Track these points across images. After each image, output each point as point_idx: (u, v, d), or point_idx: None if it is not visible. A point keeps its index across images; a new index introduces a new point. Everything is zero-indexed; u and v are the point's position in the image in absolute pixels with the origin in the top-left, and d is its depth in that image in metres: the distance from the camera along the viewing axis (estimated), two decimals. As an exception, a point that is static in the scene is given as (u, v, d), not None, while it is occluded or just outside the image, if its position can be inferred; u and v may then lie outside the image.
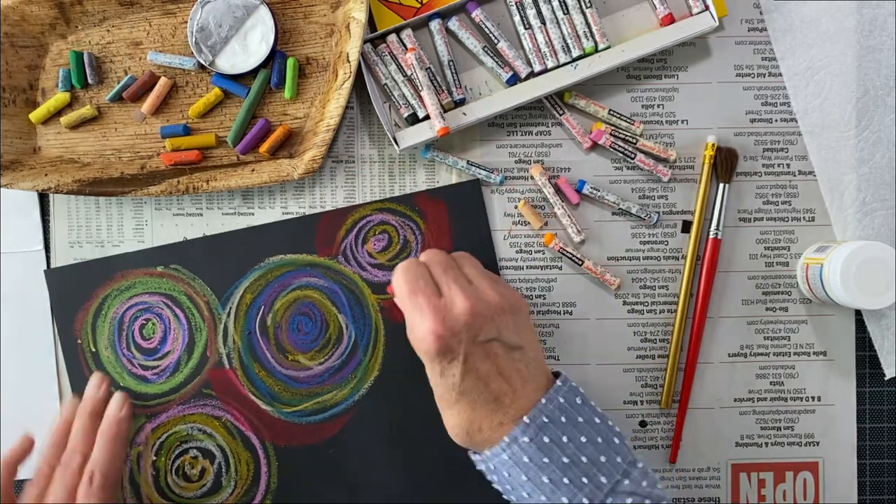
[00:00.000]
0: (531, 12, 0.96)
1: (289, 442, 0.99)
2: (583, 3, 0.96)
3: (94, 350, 0.98)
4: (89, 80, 0.96)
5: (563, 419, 0.78)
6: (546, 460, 0.76)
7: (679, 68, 1.00)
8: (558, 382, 0.81)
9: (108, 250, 0.99)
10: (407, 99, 0.96)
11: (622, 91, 1.00)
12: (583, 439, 0.77)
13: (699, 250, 0.99)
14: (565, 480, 0.76)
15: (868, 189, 0.98)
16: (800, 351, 1.00)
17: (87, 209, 0.99)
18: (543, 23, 0.96)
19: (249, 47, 0.95)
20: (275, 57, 0.96)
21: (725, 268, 1.00)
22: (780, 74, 0.99)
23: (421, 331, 0.79)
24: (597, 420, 0.80)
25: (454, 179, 0.99)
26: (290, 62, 0.95)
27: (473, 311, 0.78)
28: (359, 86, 0.97)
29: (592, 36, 0.96)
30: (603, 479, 0.76)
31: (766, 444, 1.00)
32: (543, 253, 0.99)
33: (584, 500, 0.75)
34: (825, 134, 0.99)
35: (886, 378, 1.00)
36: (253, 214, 0.99)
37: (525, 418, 0.77)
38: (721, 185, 0.98)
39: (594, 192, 0.98)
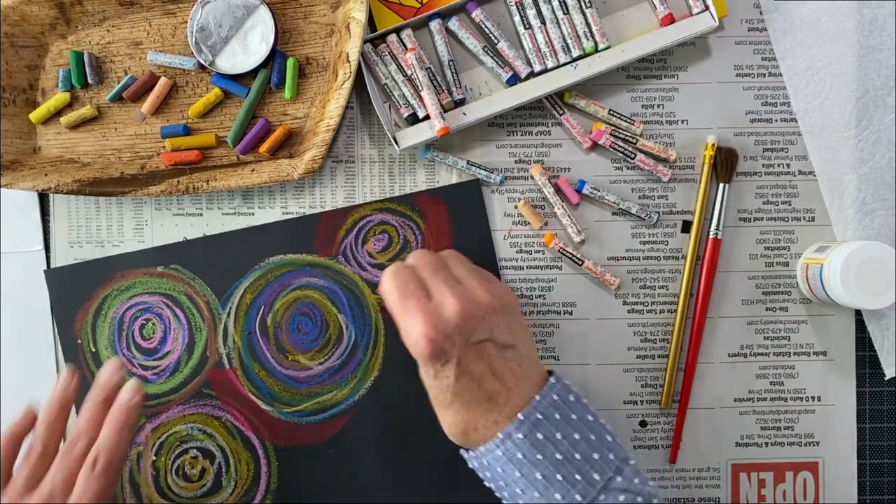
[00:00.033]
0: (531, 12, 0.96)
1: (289, 442, 0.99)
2: (583, 3, 0.96)
3: (94, 350, 0.99)
4: (89, 80, 0.96)
5: (556, 416, 0.78)
6: (540, 457, 0.76)
7: (679, 68, 1.00)
8: (552, 380, 0.81)
9: (108, 250, 0.99)
10: (407, 99, 0.96)
11: (622, 91, 1.00)
12: (576, 436, 0.78)
13: (699, 250, 0.99)
14: (559, 477, 0.76)
15: (868, 189, 0.98)
16: (800, 351, 1.00)
17: (87, 209, 0.99)
18: (543, 23, 0.96)
19: (249, 47, 0.95)
20: (275, 57, 0.96)
21: (725, 268, 1.00)
22: (780, 74, 0.99)
23: (413, 335, 0.78)
24: (590, 417, 0.80)
25: (454, 179, 0.99)
26: (290, 62, 0.95)
27: (465, 313, 0.78)
28: (359, 86, 0.97)
29: (592, 36, 0.96)
30: (596, 476, 0.76)
31: (766, 444, 1.00)
32: (543, 253, 0.99)
33: (578, 497, 0.76)
34: (825, 134, 0.99)
35: (886, 378, 1.00)
36: (253, 214, 0.99)
37: (520, 415, 0.77)
38: (721, 185, 0.98)
39: (594, 192, 0.98)
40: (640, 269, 1.00)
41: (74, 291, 0.99)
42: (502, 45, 0.96)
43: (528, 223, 0.99)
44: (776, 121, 0.99)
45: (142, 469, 0.99)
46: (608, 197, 0.98)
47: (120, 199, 0.99)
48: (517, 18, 0.96)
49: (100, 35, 0.96)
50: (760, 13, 0.99)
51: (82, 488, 0.77)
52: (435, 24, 0.96)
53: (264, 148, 0.95)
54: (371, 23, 0.97)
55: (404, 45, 0.96)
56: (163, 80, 0.96)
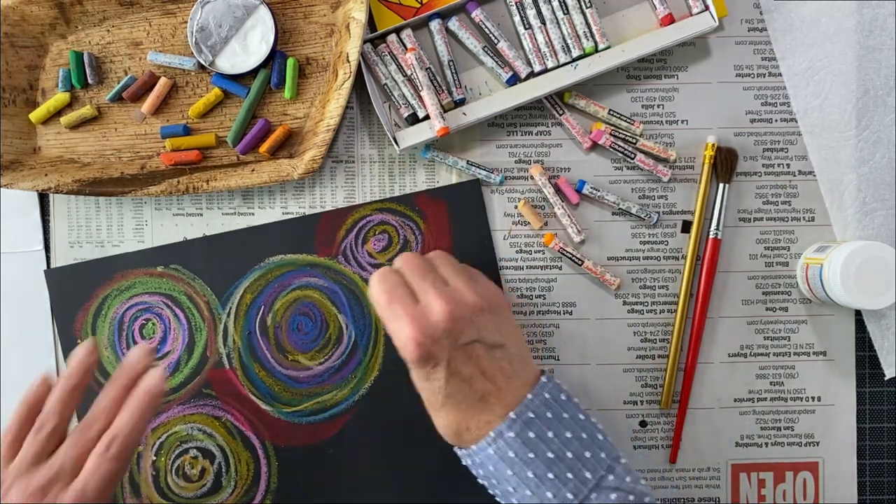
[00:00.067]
0: (531, 12, 0.96)
1: (289, 442, 0.99)
2: (583, 3, 0.96)
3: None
4: (89, 80, 0.96)
5: (548, 415, 0.78)
6: (531, 455, 0.77)
7: (679, 68, 1.00)
8: (543, 379, 0.81)
9: (108, 250, 0.99)
10: (407, 99, 0.96)
11: (622, 91, 1.00)
12: (568, 435, 0.78)
13: (699, 250, 0.99)
14: (550, 475, 0.76)
15: (868, 189, 0.98)
16: (800, 351, 1.00)
17: (87, 209, 0.99)
18: (543, 23, 0.96)
19: (249, 47, 0.95)
20: (275, 57, 0.96)
21: (725, 268, 1.00)
22: (780, 74, 0.99)
23: (401, 339, 0.79)
24: (581, 416, 0.80)
25: (454, 179, 0.99)
26: (290, 62, 0.95)
27: (452, 316, 0.78)
28: (359, 86, 0.97)
29: (592, 36, 0.96)
30: (587, 475, 0.77)
31: (766, 444, 1.00)
32: (543, 253, 0.99)
33: (569, 496, 0.76)
34: (825, 134, 0.99)
35: (886, 378, 1.00)
36: (253, 214, 0.99)
37: (511, 414, 0.78)
38: (721, 185, 0.98)
39: (594, 192, 0.98)
40: (640, 269, 1.00)
41: (74, 291, 0.99)
42: (502, 45, 0.96)
43: (528, 223, 0.99)
44: (776, 121, 0.99)
45: (142, 469, 0.99)
46: (608, 197, 0.98)
47: (120, 199, 0.99)
48: (517, 18, 0.96)
49: (100, 35, 0.96)
50: (760, 13, 0.99)
51: (92, 469, 0.74)
52: (435, 24, 0.96)
53: (264, 148, 0.95)
54: (371, 23, 0.97)
55: (404, 45, 0.96)
56: (163, 80, 0.96)
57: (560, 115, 0.98)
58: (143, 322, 0.98)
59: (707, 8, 0.96)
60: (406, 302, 0.80)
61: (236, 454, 0.99)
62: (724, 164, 0.98)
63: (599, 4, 0.97)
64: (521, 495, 0.78)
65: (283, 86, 0.96)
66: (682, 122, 0.99)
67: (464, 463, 0.82)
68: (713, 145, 0.98)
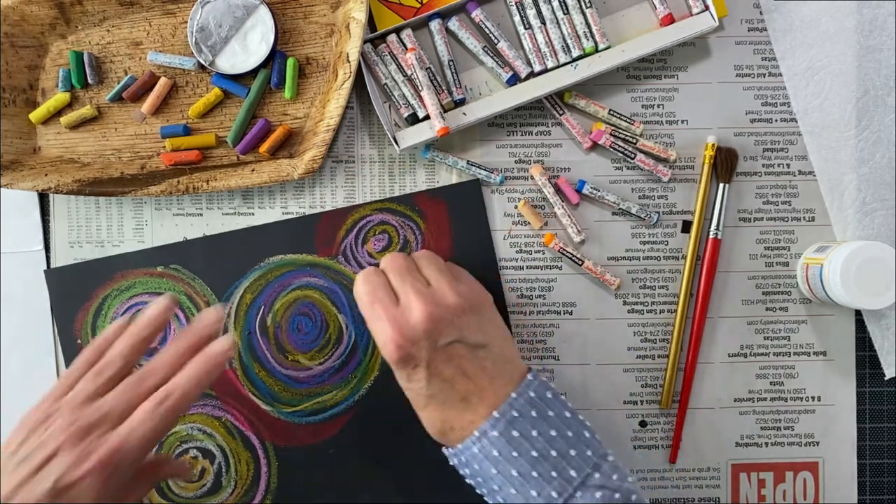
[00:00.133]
0: (531, 12, 0.96)
1: (289, 442, 0.99)
2: (583, 3, 0.96)
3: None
4: (89, 80, 0.96)
5: (533, 413, 0.79)
6: (515, 454, 0.77)
7: (679, 68, 1.00)
8: (529, 377, 0.81)
9: (108, 250, 0.99)
10: (407, 99, 0.96)
11: (622, 91, 1.00)
12: (552, 433, 0.78)
13: (699, 250, 0.99)
14: (534, 474, 0.77)
15: (868, 189, 0.98)
16: (800, 351, 1.00)
17: (87, 209, 0.99)
18: (543, 23, 0.96)
19: (249, 47, 0.95)
20: (275, 57, 0.96)
21: (725, 268, 1.00)
22: (780, 74, 0.99)
23: (381, 341, 0.80)
24: (567, 414, 0.80)
25: (454, 179, 0.99)
26: (290, 62, 0.95)
27: (431, 317, 0.79)
28: (359, 86, 0.97)
29: (592, 36, 0.96)
30: (572, 473, 0.77)
31: (766, 444, 1.00)
32: (543, 253, 0.99)
33: (554, 494, 0.76)
34: (825, 134, 0.99)
35: (886, 378, 1.00)
36: (253, 214, 0.99)
37: (495, 413, 0.78)
38: (721, 185, 0.98)
39: (594, 192, 0.98)
40: (640, 269, 1.00)
41: (74, 291, 0.99)
42: (502, 45, 0.96)
43: (528, 223, 0.99)
44: (776, 121, 0.99)
45: (142, 469, 0.99)
46: (608, 197, 0.98)
47: (120, 199, 0.99)
48: (517, 18, 0.96)
49: (100, 35, 0.96)
50: (760, 13, 0.99)
51: (139, 420, 0.72)
52: (435, 24, 0.96)
53: (264, 148, 0.95)
54: (371, 23, 0.97)
55: (404, 45, 0.96)
56: (163, 80, 0.96)
57: (560, 115, 0.98)
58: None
59: (707, 8, 0.96)
60: (386, 303, 0.81)
61: (236, 454, 0.99)
62: (724, 164, 0.98)
63: (599, 4, 0.97)
64: (505, 494, 0.78)
65: (283, 86, 0.96)
66: (682, 122, 0.99)
67: (451, 462, 0.83)
68: (713, 145, 0.98)
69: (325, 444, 0.99)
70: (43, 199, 1.00)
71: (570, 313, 1.00)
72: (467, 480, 0.82)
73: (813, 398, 1.00)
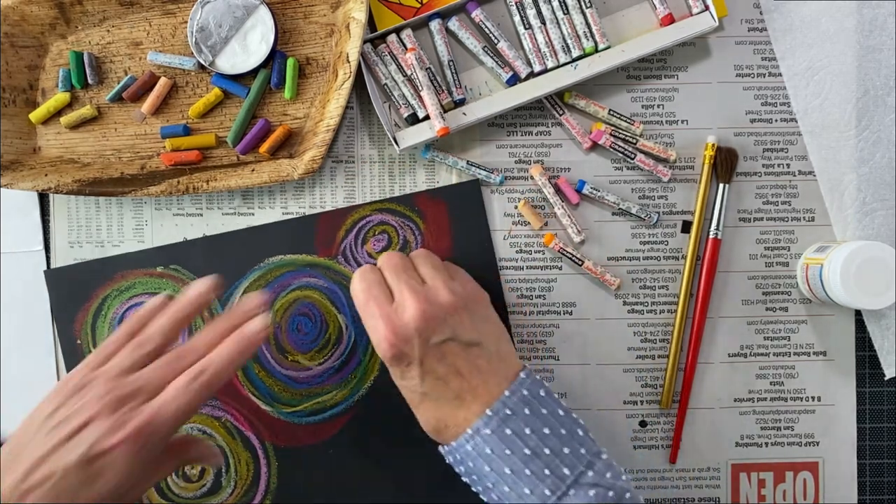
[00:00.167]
0: (531, 12, 0.96)
1: (289, 442, 0.99)
2: (583, 3, 0.96)
3: (93, 350, 0.98)
4: (89, 80, 0.96)
5: (526, 411, 0.79)
6: (508, 452, 0.77)
7: (679, 68, 1.00)
8: (522, 375, 0.82)
9: (108, 250, 0.99)
10: (407, 99, 0.96)
11: (622, 91, 1.00)
12: (546, 431, 0.78)
13: (699, 250, 0.99)
14: (527, 472, 0.77)
15: (868, 189, 0.98)
16: (800, 351, 1.00)
17: (87, 209, 0.99)
18: (543, 23, 0.96)
19: (249, 47, 0.95)
20: (275, 57, 0.96)
21: (725, 268, 1.00)
22: (780, 74, 0.99)
23: (375, 338, 0.81)
24: (560, 412, 0.80)
25: (454, 180, 0.99)
26: (290, 62, 0.95)
27: (424, 315, 0.79)
28: (359, 86, 0.97)
29: (592, 36, 0.96)
30: (566, 471, 0.77)
31: (766, 444, 1.00)
32: (543, 253, 0.99)
33: (547, 492, 0.76)
34: (825, 134, 0.99)
35: (886, 378, 1.00)
36: (253, 214, 0.99)
37: (488, 411, 0.78)
38: (721, 185, 0.98)
39: (594, 192, 0.98)
40: (640, 269, 1.00)
41: (74, 292, 0.99)
42: (502, 45, 0.96)
43: (528, 223, 0.99)
44: (776, 121, 0.99)
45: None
46: (608, 197, 0.98)
47: (120, 199, 0.99)
48: (517, 18, 0.96)
49: (100, 35, 0.96)
50: (760, 13, 0.99)
51: (172, 394, 0.73)
52: (435, 24, 0.96)
53: (264, 148, 0.95)
54: (371, 23, 0.97)
55: (404, 45, 0.96)
56: (163, 80, 0.96)
57: (560, 115, 0.98)
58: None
59: (707, 8, 0.96)
60: (381, 301, 0.81)
61: (236, 454, 0.99)
62: (724, 164, 0.98)
63: (599, 4, 0.97)
64: (499, 492, 0.78)
65: (283, 86, 0.96)
66: (682, 122, 0.99)
67: (447, 461, 0.83)
68: (713, 145, 0.98)
69: (324, 445, 0.99)
70: (43, 199, 1.00)
71: (570, 313, 1.00)
72: (463, 479, 0.83)
73: (813, 398, 1.00)
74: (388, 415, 0.99)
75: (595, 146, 0.98)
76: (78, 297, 0.99)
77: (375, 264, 0.87)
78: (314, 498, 0.99)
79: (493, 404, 0.79)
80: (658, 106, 0.99)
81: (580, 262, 0.98)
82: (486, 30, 0.96)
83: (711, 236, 0.98)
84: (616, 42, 0.97)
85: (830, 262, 0.92)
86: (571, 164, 0.99)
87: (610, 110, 0.98)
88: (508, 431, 0.78)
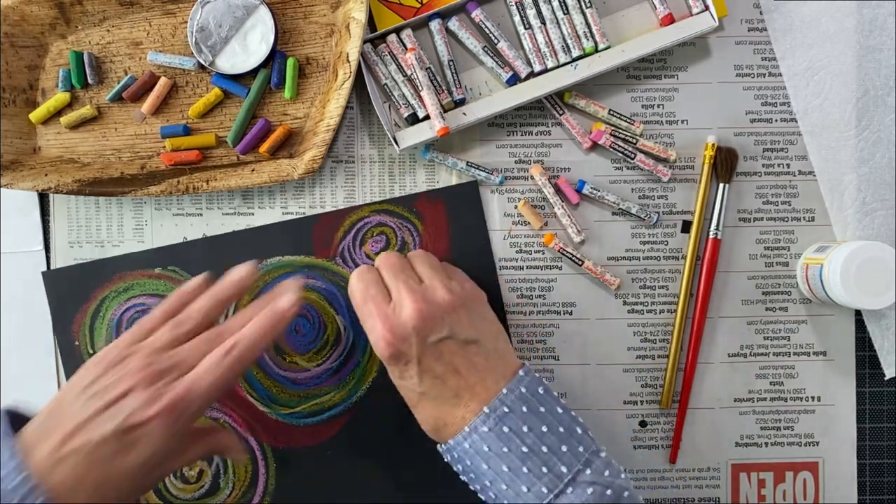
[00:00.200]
0: (531, 12, 0.96)
1: (287, 443, 0.99)
2: (583, 3, 0.96)
3: (91, 352, 0.98)
4: (89, 80, 0.96)
5: (524, 409, 0.79)
6: (506, 449, 0.77)
7: (679, 68, 1.00)
8: (520, 373, 0.82)
9: (108, 250, 0.99)
10: (407, 99, 0.96)
11: (622, 91, 1.00)
12: (544, 429, 0.78)
13: (699, 250, 0.99)
14: (524, 469, 0.77)
15: (868, 189, 0.98)
16: (800, 351, 1.00)
17: (87, 209, 0.99)
18: (543, 23, 0.96)
19: (249, 47, 0.95)
20: (275, 57, 0.96)
21: (725, 268, 1.00)
22: (780, 74, 0.99)
23: (373, 338, 0.81)
24: (559, 410, 0.80)
25: (454, 180, 0.99)
26: (290, 62, 0.95)
27: (421, 315, 0.79)
28: (359, 86, 0.97)
29: (592, 36, 0.96)
30: (563, 469, 0.77)
31: (766, 444, 1.00)
32: (543, 253, 0.99)
33: (544, 490, 0.76)
34: (825, 134, 0.99)
35: (886, 378, 1.00)
36: (253, 214, 0.99)
37: (486, 408, 0.78)
38: (721, 185, 0.98)
39: (594, 192, 0.98)
40: (640, 269, 1.00)
41: (72, 293, 0.99)
42: (502, 45, 0.96)
43: (528, 223, 0.99)
44: (776, 121, 1.00)
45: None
46: (608, 197, 0.98)
47: (120, 199, 0.99)
48: (517, 18, 0.96)
49: (100, 35, 0.96)
50: (760, 13, 0.99)
51: (205, 368, 0.76)
52: (435, 24, 0.96)
53: (264, 148, 0.95)
54: (371, 23, 0.97)
55: (404, 45, 0.96)
56: (163, 80, 0.96)
57: (560, 115, 0.98)
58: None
59: (707, 8, 0.96)
60: (378, 300, 0.82)
61: (235, 456, 0.99)
62: (724, 164, 0.98)
63: (599, 4, 0.97)
64: (497, 489, 0.78)
65: (283, 86, 0.96)
66: (682, 122, 0.99)
67: (445, 459, 0.83)
68: (713, 145, 0.98)
69: (323, 446, 0.99)
70: (43, 199, 1.00)
71: (570, 313, 1.00)
72: (461, 477, 0.83)
73: (813, 398, 1.00)
74: (387, 416, 0.99)
75: (595, 146, 0.99)
76: (76, 298, 0.99)
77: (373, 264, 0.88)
78: (312, 499, 0.99)
79: (490, 402, 0.79)
80: (658, 106, 0.99)
81: (580, 262, 0.98)
82: (486, 30, 0.96)
83: (711, 236, 0.98)
84: (616, 42, 0.97)
85: (830, 262, 0.92)
86: (571, 163, 0.99)
87: (610, 110, 0.98)
88: (506, 429, 0.78)
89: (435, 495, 0.99)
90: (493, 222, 0.99)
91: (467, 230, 0.99)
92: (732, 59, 1.00)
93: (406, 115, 0.96)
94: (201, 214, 0.99)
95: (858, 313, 1.00)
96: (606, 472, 0.78)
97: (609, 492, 0.76)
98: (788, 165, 0.99)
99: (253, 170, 0.96)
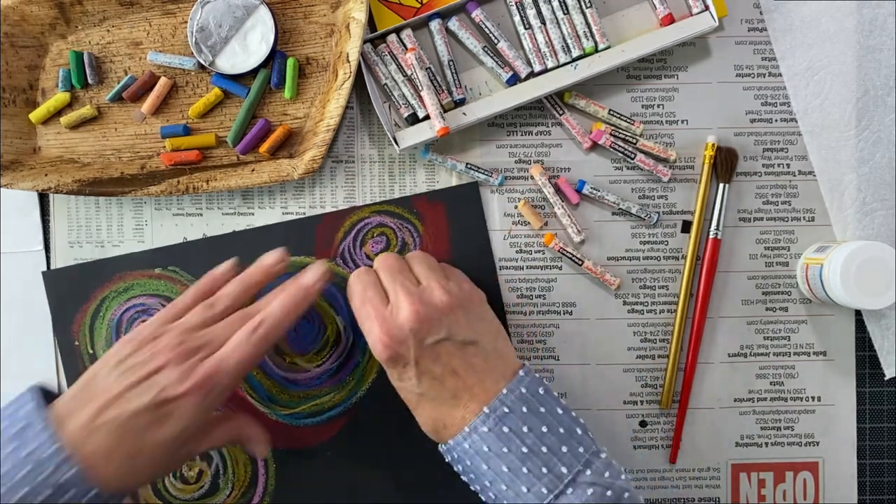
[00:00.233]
0: (531, 12, 0.96)
1: (286, 444, 0.99)
2: (583, 3, 0.96)
3: (91, 352, 0.98)
4: (89, 80, 0.96)
5: (524, 409, 0.79)
6: (505, 450, 0.77)
7: (679, 68, 1.00)
8: (521, 373, 0.82)
9: (108, 250, 0.99)
10: (407, 99, 0.96)
11: (622, 91, 1.00)
12: (544, 429, 0.78)
13: (699, 250, 0.99)
14: (524, 470, 0.77)
15: (868, 189, 0.98)
16: (800, 351, 1.00)
17: (87, 209, 0.99)
18: (543, 23, 0.96)
19: (249, 47, 0.95)
20: (275, 57, 0.96)
21: (725, 268, 1.00)
22: (780, 74, 0.99)
23: (371, 340, 0.82)
24: (559, 410, 0.80)
25: (454, 180, 0.99)
26: (290, 62, 0.95)
27: (418, 316, 0.80)
28: (359, 86, 0.97)
29: (592, 36, 0.96)
30: (563, 469, 0.77)
31: (766, 444, 1.00)
32: (543, 253, 0.99)
33: (544, 490, 0.76)
34: (825, 134, 0.99)
35: (886, 378, 1.00)
36: (253, 214, 0.99)
37: (485, 408, 0.79)
38: (721, 185, 0.98)
39: (594, 192, 0.98)
40: (640, 269, 1.00)
41: (72, 293, 0.99)
42: (502, 45, 0.96)
43: (528, 223, 0.99)
44: (776, 121, 1.00)
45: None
46: (608, 197, 0.98)
47: (120, 199, 0.99)
48: (517, 18, 0.96)
49: (100, 35, 0.96)
50: (760, 13, 0.99)
51: (233, 346, 0.79)
52: (435, 24, 0.96)
53: (264, 148, 0.95)
54: (371, 23, 0.97)
55: (404, 45, 0.96)
56: (163, 80, 0.96)
57: (560, 115, 0.98)
58: (142, 324, 0.98)
59: (707, 8, 0.96)
60: (376, 302, 0.82)
61: (234, 456, 0.99)
62: (724, 164, 0.98)
63: (599, 4, 0.97)
64: (497, 490, 0.78)
65: (283, 86, 0.96)
66: (682, 122, 0.99)
67: (446, 459, 0.83)
68: (713, 145, 0.98)
69: (322, 446, 0.99)
70: (43, 199, 1.00)
71: (570, 313, 1.00)
72: (462, 477, 0.83)
73: (813, 398, 1.00)
74: (387, 417, 0.99)
75: (595, 146, 0.99)
76: (76, 298, 0.99)
77: (372, 266, 0.88)
78: (312, 500, 0.99)
79: (490, 402, 0.79)
80: (658, 106, 0.99)
81: (580, 262, 0.98)
82: (486, 30, 0.96)
83: (711, 236, 0.98)
84: (616, 42, 0.97)
85: (830, 262, 0.92)
86: (571, 163, 0.99)
87: (610, 110, 0.98)
88: (506, 429, 0.78)
89: (435, 496, 0.99)
90: (493, 222, 0.99)
91: (467, 231, 0.99)
92: (732, 59, 1.00)
93: (406, 115, 0.96)
94: (201, 214, 0.99)
95: (858, 313, 1.00)
96: (607, 474, 0.78)
97: (609, 493, 0.76)
98: (788, 165, 0.99)
99: (253, 170, 0.96)
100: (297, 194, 0.99)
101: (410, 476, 0.99)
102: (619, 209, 0.98)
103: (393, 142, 0.95)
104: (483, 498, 0.81)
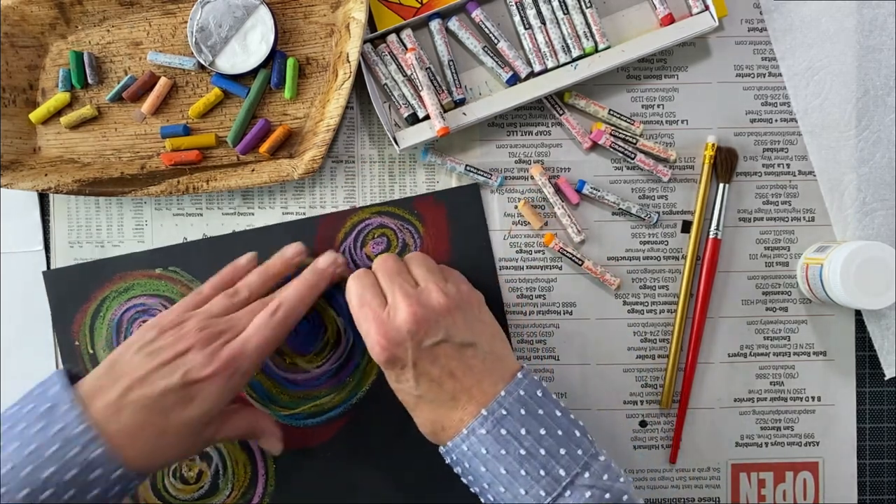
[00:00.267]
0: (531, 12, 0.96)
1: (286, 445, 0.98)
2: (583, 3, 0.96)
3: (91, 352, 0.98)
4: (89, 80, 0.96)
5: (522, 411, 0.79)
6: (503, 452, 0.77)
7: (679, 68, 1.00)
8: (519, 375, 0.82)
9: (108, 250, 0.99)
10: (407, 99, 0.96)
11: (622, 91, 1.00)
12: (542, 431, 0.78)
13: (699, 250, 0.99)
14: (522, 472, 0.77)
15: (868, 189, 0.98)
16: (800, 351, 1.00)
17: (87, 209, 0.99)
18: (543, 23, 0.96)
19: (249, 47, 0.95)
20: (275, 57, 0.96)
21: (725, 268, 1.00)
22: (780, 74, 0.99)
23: (369, 342, 0.82)
24: (558, 413, 0.80)
25: (454, 181, 0.99)
26: (290, 62, 0.95)
27: (416, 319, 0.80)
28: (359, 86, 0.97)
29: (592, 36, 0.96)
30: (561, 472, 0.77)
31: (766, 444, 1.00)
32: (543, 253, 0.99)
33: (542, 493, 0.76)
34: (825, 134, 0.99)
35: (886, 378, 1.00)
36: (253, 214, 0.99)
37: (483, 410, 0.79)
38: (721, 185, 0.98)
39: (594, 192, 0.98)
40: (640, 269, 1.00)
41: (73, 293, 0.99)
42: (502, 45, 0.96)
43: (528, 223, 0.99)
44: (776, 121, 1.00)
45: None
46: (608, 197, 0.98)
47: (120, 199, 0.99)
48: (517, 18, 0.96)
49: (100, 35, 0.96)
50: (760, 13, 0.99)
51: (254, 329, 0.82)
52: (435, 24, 0.96)
53: (264, 148, 0.95)
54: (371, 23, 0.97)
55: (404, 45, 0.96)
56: (163, 80, 0.96)
57: (560, 115, 0.98)
58: (142, 324, 0.98)
59: (707, 8, 0.96)
60: (374, 305, 0.83)
61: (233, 456, 0.99)
62: (724, 164, 0.98)
63: (599, 4, 0.97)
64: (495, 492, 0.78)
65: (283, 86, 0.96)
66: (682, 122, 0.99)
67: (446, 461, 0.83)
68: (713, 145, 0.98)
69: (322, 447, 0.99)
70: (43, 199, 1.00)
71: (570, 313, 1.00)
72: (462, 479, 0.83)
73: (813, 398, 1.00)
74: (386, 418, 0.98)
75: (595, 146, 0.99)
76: (76, 298, 0.99)
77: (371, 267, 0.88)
78: (312, 500, 0.99)
79: (488, 404, 0.79)
80: (658, 106, 0.99)
81: (580, 262, 0.98)
82: (486, 30, 0.96)
83: (711, 236, 0.98)
84: (616, 42, 0.97)
85: (830, 262, 0.92)
86: (571, 163, 0.99)
87: (610, 110, 0.98)
88: (504, 431, 0.78)
89: (435, 497, 0.98)
90: (493, 222, 0.99)
91: (468, 232, 0.99)
92: (732, 59, 1.00)
93: (406, 115, 0.96)
94: (201, 214, 0.99)
95: (858, 313, 1.00)
96: (605, 476, 0.78)
97: (608, 495, 0.76)
98: (788, 165, 0.99)
99: (253, 170, 0.96)
100: (297, 194, 0.99)
101: (410, 477, 0.99)
102: (619, 209, 0.98)
103: (393, 142, 0.95)
104: (483, 500, 0.81)
